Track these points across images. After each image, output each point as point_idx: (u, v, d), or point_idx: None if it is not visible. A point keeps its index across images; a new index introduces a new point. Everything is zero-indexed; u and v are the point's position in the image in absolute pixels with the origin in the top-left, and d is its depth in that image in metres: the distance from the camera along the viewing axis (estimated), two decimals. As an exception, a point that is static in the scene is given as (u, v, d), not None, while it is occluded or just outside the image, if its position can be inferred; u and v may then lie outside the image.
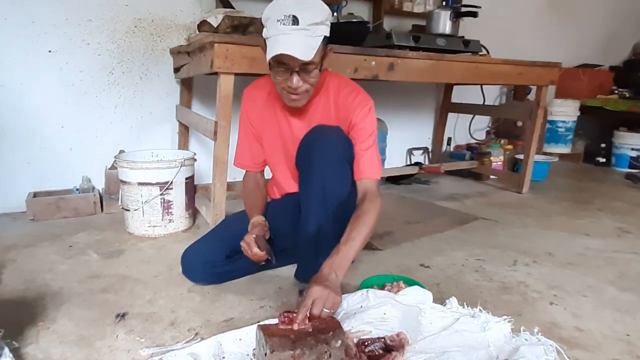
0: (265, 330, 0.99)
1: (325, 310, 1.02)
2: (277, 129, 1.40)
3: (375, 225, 1.22)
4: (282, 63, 1.17)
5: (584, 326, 1.26)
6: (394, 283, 1.34)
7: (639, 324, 1.28)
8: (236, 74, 1.73)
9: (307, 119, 1.35)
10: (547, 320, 1.28)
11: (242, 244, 1.29)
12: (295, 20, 1.11)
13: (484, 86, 3.32)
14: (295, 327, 0.99)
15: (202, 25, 1.96)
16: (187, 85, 2.45)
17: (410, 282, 1.36)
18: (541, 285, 1.52)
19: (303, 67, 1.17)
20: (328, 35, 1.20)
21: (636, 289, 1.50)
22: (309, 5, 1.15)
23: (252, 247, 1.27)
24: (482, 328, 1.08)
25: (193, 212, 2.11)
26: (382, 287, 1.32)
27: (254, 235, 1.29)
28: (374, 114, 1.33)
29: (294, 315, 1.01)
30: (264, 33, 1.20)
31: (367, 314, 1.17)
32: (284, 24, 1.12)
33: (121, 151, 2.23)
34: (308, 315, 1.01)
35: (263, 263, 1.35)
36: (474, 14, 2.52)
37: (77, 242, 1.83)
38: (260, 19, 1.23)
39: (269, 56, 1.16)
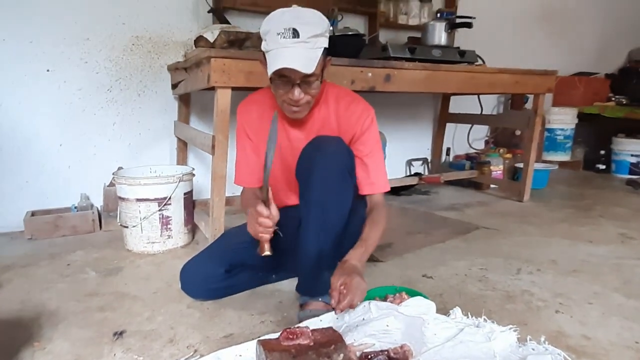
0: (266, 345, 0.97)
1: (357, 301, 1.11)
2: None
3: (383, 234, 1.29)
4: (284, 76, 1.17)
5: (591, 334, 1.23)
6: (397, 294, 1.32)
7: (648, 330, 1.26)
8: (233, 89, 1.74)
9: (306, 130, 1.34)
10: (554, 329, 1.26)
11: (251, 210, 1.17)
12: (295, 33, 1.12)
13: (481, 96, 3.34)
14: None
15: (199, 40, 1.98)
16: (184, 101, 2.46)
17: (412, 293, 1.33)
18: (546, 294, 1.49)
19: (304, 80, 1.17)
20: (327, 46, 1.20)
21: (643, 295, 1.48)
22: (308, 17, 1.16)
23: (261, 212, 1.13)
24: (487, 338, 1.06)
25: (192, 228, 2.09)
26: (384, 299, 1.30)
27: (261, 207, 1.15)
28: (376, 124, 1.33)
29: (297, 330, 0.99)
30: (264, 47, 1.20)
31: (369, 327, 1.14)
32: (284, 37, 1.12)
33: (119, 168, 2.22)
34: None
35: (267, 253, 1.18)
36: (468, 25, 2.54)
37: (75, 260, 1.81)
38: (257, 33, 1.24)
39: (270, 70, 1.16)
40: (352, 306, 1.11)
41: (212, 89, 1.75)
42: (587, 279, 1.63)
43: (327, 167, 1.19)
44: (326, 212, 1.20)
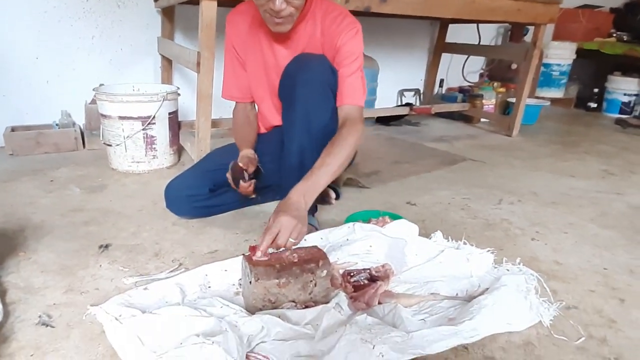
0: (250, 260, 0.99)
1: (290, 240, 0.99)
2: (261, 57, 1.33)
3: (353, 151, 1.16)
4: None
5: (563, 260, 1.29)
6: (380, 218, 1.34)
7: (617, 258, 1.31)
8: (219, 1, 1.62)
9: (292, 47, 1.27)
10: (528, 254, 1.31)
11: (228, 175, 1.25)
12: None
13: (480, 26, 3.20)
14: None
15: (182, -55, 1.81)
16: (168, 15, 2.31)
17: (395, 218, 1.35)
18: (524, 223, 1.54)
19: None
20: None
21: (617, 227, 1.53)
22: None
23: (242, 187, 1.23)
24: (465, 259, 1.10)
25: (178, 149, 2.06)
26: (367, 222, 1.32)
27: (239, 166, 1.25)
28: (360, 38, 1.25)
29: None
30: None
31: (353, 247, 1.18)
32: None
33: (101, 85, 2.13)
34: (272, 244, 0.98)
35: (252, 197, 1.30)
36: (474, -57, 2.36)
37: (58, 177, 1.79)
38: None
39: None
40: (277, 246, 0.98)
41: (197, 1, 1.63)
42: (565, 210, 1.67)
43: (310, 85, 1.15)
44: (309, 130, 1.18)
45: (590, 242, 1.42)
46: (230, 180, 1.27)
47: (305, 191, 1.05)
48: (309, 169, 1.08)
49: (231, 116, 1.49)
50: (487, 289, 1.02)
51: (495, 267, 1.11)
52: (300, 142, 1.19)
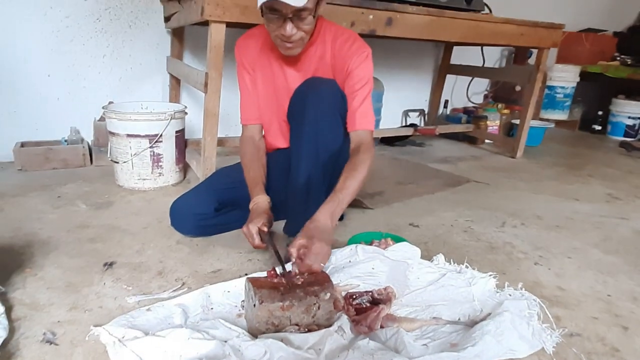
0: (254, 282, 0.99)
1: (321, 264, 1.04)
2: (271, 79, 1.35)
3: (367, 177, 1.20)
4: (275, 10, 1.12)
5: (566, 285, 1.28)
6: (382, 240, 1.35)
7: (621, 285, 1.31)
8: (228, 24, 1.66)
9: (303, 69, 1.30)
10: (531, 279, 1.31)
11: (245, 230, 1.20)
12: None
13: (484, 49, 3.24)
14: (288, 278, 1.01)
15: (193, -30, 1.86)
16: (178, 35, 2.36)
17: (397, 240, 1.36)
18: (527, 246, 1.54)
19: (296, 14, 1.12)
20: None
21: (620, 252, 1.53)
22: None
23: (254, 239, 1.18)
24: (467, 283, 1.10)
25: (184, 167, 2.08)
26: (370, 244, 1.32)
27: (258, 227, 1.18)
28: (370, 62, 1.28)
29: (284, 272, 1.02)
30: (254, -23, 1.14)
31: (355, 269, 1.18)
32: None
33: (110, 102, 2.17)
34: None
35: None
36: (478, -30, 2.41)
37: (65, 193, 1.81)
38: (254, -34, 1.16)
39: (260, 1, 1.11)
40: (311, 271, 1.02)
41: (206, 23, 1.67)
42: (569, 234, 1.67)
43: (320, 108, 1.17)
44: (317, 153, 1.20)
45: (593, 267, 1.41)
46: (246, 234, 1.21)
47: (331, 212, 1.10)
48: (315, 194, 1.11)
49: (236, 135, 1.50)
50: (490, 314, 1.01)
51: (498, 292, 1.11)
52: (308, 163, 1.21)
